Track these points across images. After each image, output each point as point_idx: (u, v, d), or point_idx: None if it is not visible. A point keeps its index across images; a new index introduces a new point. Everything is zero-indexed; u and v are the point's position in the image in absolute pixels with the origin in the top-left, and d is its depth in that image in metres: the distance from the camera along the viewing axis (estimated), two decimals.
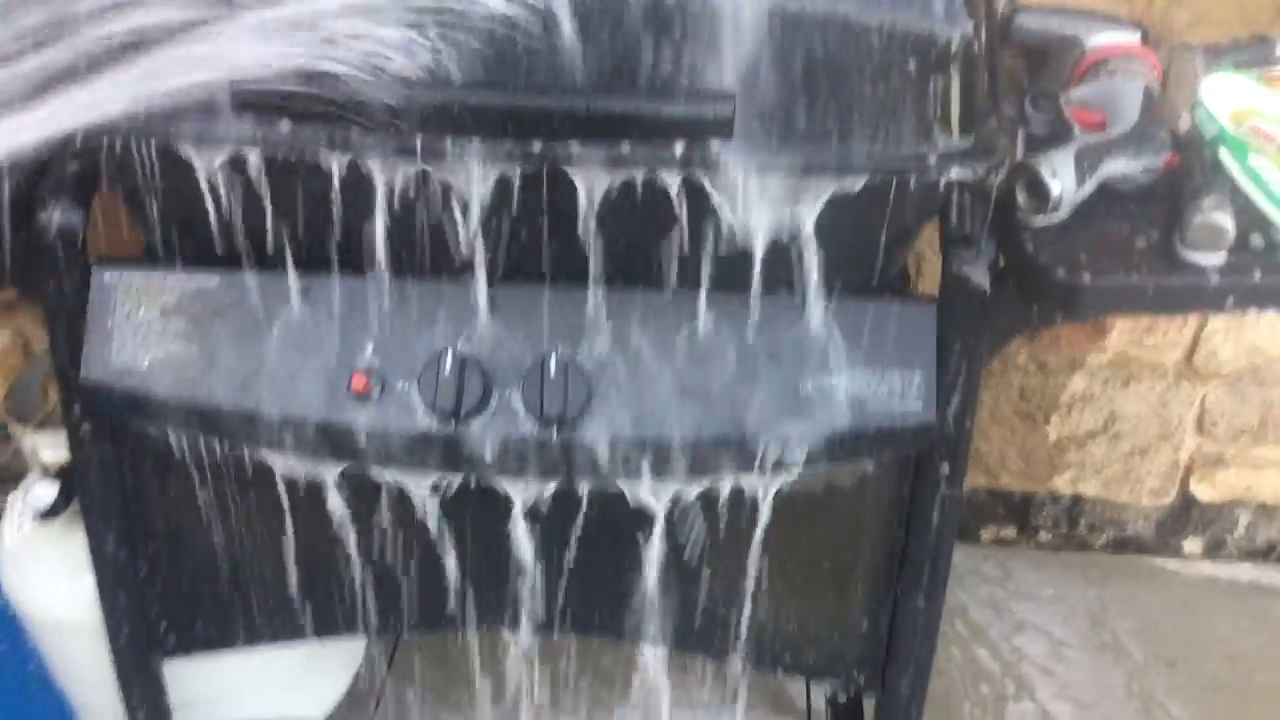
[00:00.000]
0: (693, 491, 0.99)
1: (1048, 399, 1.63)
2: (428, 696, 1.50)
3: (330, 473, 0.99)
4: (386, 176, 0.86)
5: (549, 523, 1.02)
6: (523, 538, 1.02)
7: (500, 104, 0.81)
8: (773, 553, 1.05)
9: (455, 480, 0.98)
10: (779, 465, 0.96)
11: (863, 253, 0.94)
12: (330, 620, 1.12)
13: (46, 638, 1.25)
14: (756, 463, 0.95)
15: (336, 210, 0.89)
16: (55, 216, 0.93)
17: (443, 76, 0.79)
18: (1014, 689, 1.56)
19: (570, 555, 1.05)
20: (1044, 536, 1.77)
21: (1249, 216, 0.93)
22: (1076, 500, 1.72)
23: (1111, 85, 1.04)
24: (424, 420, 0.94)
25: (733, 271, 0.91)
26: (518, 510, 1.00)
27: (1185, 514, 1.73)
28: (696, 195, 0.86)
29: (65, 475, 1.16)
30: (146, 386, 0.96)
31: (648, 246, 0.91)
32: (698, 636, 1.11)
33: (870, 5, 0.83)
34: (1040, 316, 0.99)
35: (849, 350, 0.95)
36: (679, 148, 0.83)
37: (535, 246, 0.92)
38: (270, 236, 0.92)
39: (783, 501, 1.00)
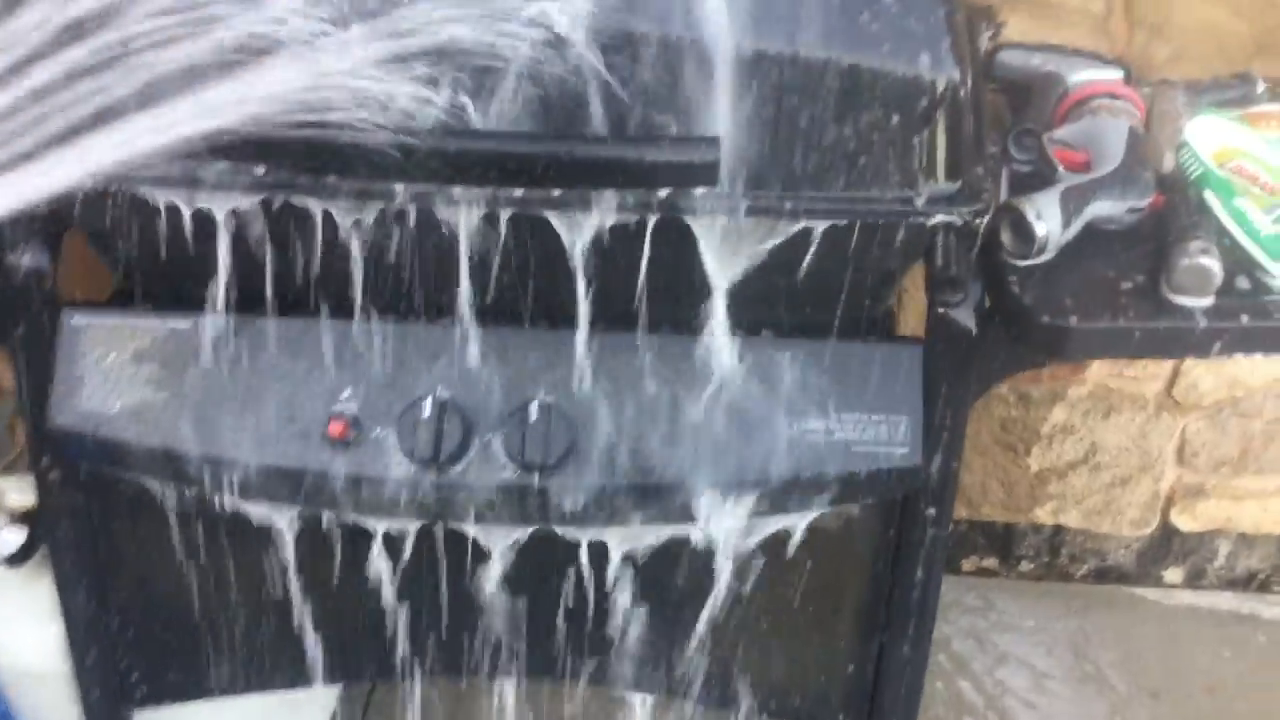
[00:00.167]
0: (677, 537, 0.97)
1: (1029, 430, 1.62)
2: None
3: (304, 520, 0.97)
4: (365, 220, 0.85)
5: (528, 568, 1.00)
6: (499, 584, 1.01)
7: (482, 150, 0.79)
8: (757, 597, 1.03)
9: (439, 527, 0.97)
10: (763, 511, 0.94)
11: (849, 295, 0.93)
12: (301, 670, 1.10)
13: (12, 686, 1.21)
14: (742, 508, 0.94)
15: (315, 254, 0.88)
16: (24, 259, 0.91)
17: (424, 122, 0.77)
18: None
19: (550, 601, 1.03)
20: (1025, 567, 1.76)
21: (1234, 258, 0.93)
22: (1058, 531, 1.72)
23: (1095, 124, 1.03)
24: (401, 466, 0.92)
25: (717, 316, 0.89)
26: (495, 556, 0.98)
27: (1166, 544, 1.73)
28: (681, 240, 0.85)
29: (32, 520, 1.13)
30: (116, 432, 0.94)
31: (631, 291, 0.90)
32: (681, 682, 1.09)
33: (857, 49, 0.82)
34: (1027, 358, 0.99)
35: (835, 393, 0.94)
36: (664, 193, 0.82)
37: (518, 291, 0.91)
38: (245, 280, 0.90)
39: (768, 545, 0.98)
